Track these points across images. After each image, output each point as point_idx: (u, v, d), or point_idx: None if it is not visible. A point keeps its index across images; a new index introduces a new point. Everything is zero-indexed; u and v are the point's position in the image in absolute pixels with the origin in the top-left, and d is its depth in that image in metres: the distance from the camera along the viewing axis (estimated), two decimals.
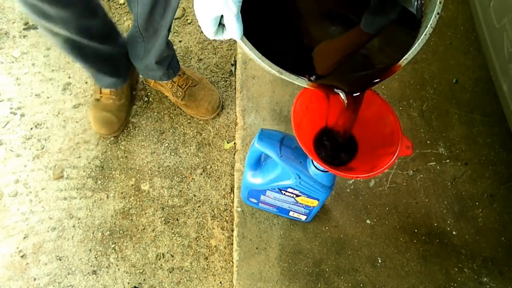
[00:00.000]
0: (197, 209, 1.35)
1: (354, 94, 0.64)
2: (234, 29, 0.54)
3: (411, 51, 0.59)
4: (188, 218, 1.34)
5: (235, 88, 1.51)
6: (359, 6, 0.65)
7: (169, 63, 1.36)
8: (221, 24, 0.56)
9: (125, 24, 1.65)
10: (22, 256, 1.28)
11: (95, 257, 1.28)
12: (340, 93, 0.64)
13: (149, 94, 1.52)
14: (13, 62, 1.57)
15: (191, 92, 1.44)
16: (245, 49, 0.56)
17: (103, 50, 1.22)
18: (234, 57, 1.59)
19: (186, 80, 1.44)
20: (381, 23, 0.63)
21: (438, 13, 0.58)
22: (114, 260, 1.28)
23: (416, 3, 0.62)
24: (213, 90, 1.47)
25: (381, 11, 0.63)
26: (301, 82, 0.60)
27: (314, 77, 0.61)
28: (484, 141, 1.39)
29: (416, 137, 1.39)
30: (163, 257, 1.29)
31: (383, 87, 1.47)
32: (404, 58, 0.60)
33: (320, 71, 0.62)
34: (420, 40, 0.59)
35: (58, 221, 1.32)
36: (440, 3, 0.58)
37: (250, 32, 0.56)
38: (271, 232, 1.25)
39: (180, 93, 1.44)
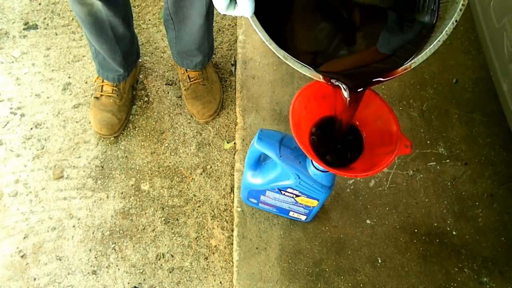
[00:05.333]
0: (197, 209, 1.35)
1: (358, 90, 0.63)
2: (245, 6, 0.53)
3: (421, 55, 0.58)
4: (188, 218, 1.34)
5: (235, 88, 1.51)
6: (375, 18, 0.64)
7: (206, 54, 1.41)
8: (233, 0, 0.56)
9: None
10: (22, 256, 1.28)
11: (95, 257, 1.28)
12: (342, 88, 0.63)
13: (149, 94, 1.52)
14: (13, 62, 1.57)
15: (195, 89, 1.45)
16: (255, 29, 0.55)
17: (121, 30, 1.24)
18: (234, 57, 1.59)
19: (198, 76, 1.45)
20: (397, 43, 0.62)
21: (456, 21, 0.56)
22: (114, 260, 1.28)
23: (430, 16, 0.61)
24: (215, 99, 1.47)
25: (398, 30, 0.62)
26: (305, 71, 0.59)
27: (319, 69, 0.60)
28: (484, 141, 1.39)
29: (416, 137, 1.39)
30: (163, 257, 1.29)
31: (383, 87, 1.47)
32: (413, 61, 0.58)
33: (329, 69, 0.62)
34: (432, 45, 0.57)
35: (58, 221, 1.33)
36: (460, 10, 0.56)
37: (263, 14, 0.55)
38: (271, 232, 1.25)
39: (186, 84, 1.45)
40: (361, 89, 0.63)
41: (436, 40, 0.57)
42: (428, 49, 0.57)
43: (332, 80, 0.61)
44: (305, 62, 0.59)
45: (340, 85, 0.62)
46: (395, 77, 0.60)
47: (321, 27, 0.64)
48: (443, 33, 0.56)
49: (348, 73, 0.63)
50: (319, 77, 0.60)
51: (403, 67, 0.59)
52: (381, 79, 0.61)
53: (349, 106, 0.66)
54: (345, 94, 0.63)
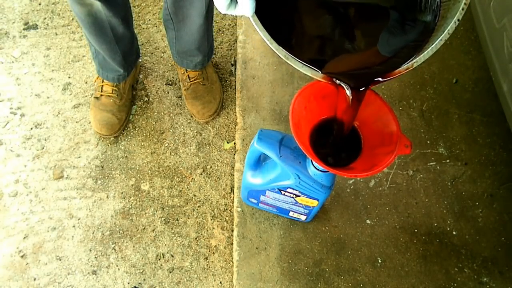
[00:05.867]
0: (197, 209, 1.35)
1: (360, 89, 0.63)
2: (246, 5, 0.53)
3: (423, 54, 0.57)
4: (188, 218, 1.34)
5: (235, 88, 1.51)
6: (376, 17, 0.64)
7: (206, 54, 1.41)
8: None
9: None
10: (22, 256, 1.28)
11: (95, 257, 1.28)
12: (345, 87, 0.63)
13: (149, 94, 1.52)
14: (13, 62, 1.57)
15: (195, 89, 1.45)
16: (256, 28, 0.55)
17: (121, 30, 1.24)
18: (234, 57, 1.59)
19: (198, 76, 1.45)
20: (400, 42, 0.61)
21: (458, 20, 0.55)
22: (114, 260, 1.28)
23: (431, 15, 0.60)
24: (215, 99, 1.46)
25: (400, 30, 0.62)
26: (306, 70, 0.59)
27: (320, 69, 0.60)
28: (484, 141, 1.39)
29: (416, 137, 1.39)
30: (163, 257, 1.29)
31: (383, 87, 1.47)
32: (415, 60, 0.58)
33: (330, 68, 0.62)
34: (434, 44, 0.56)
35: (58, 221, 1.33)
36: (462, 9, 0.55)
37: (264, 13, 0.55)
38: (271, 232, 1.25)
39: (186, 84, 1.45)
40: (363, 88, 0.63)
41: (438, 39, 0.56)
42: (430, 48, 0.57)
43: (334, 80, 0.61)
44: (306, 62, 0.59)
45: (342, 84, 0.62)
46: (397, 76, 0.60)
47: (322, 26, 0.64)
48: (445, 32, 0.56)
49: (349, 72, 0.63)
50: (321, 77, 0.60)
51: (405, 66, 0.59)
52: (383, 78, 0.61)
53: (351, 106, 0.66)
54: (348, 92, 0.63)
